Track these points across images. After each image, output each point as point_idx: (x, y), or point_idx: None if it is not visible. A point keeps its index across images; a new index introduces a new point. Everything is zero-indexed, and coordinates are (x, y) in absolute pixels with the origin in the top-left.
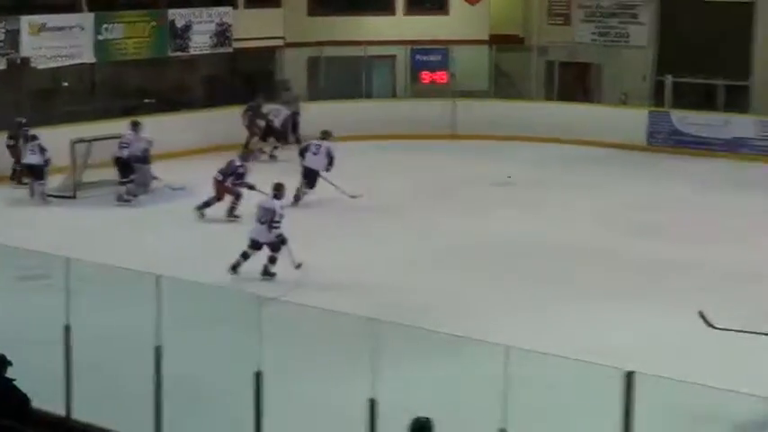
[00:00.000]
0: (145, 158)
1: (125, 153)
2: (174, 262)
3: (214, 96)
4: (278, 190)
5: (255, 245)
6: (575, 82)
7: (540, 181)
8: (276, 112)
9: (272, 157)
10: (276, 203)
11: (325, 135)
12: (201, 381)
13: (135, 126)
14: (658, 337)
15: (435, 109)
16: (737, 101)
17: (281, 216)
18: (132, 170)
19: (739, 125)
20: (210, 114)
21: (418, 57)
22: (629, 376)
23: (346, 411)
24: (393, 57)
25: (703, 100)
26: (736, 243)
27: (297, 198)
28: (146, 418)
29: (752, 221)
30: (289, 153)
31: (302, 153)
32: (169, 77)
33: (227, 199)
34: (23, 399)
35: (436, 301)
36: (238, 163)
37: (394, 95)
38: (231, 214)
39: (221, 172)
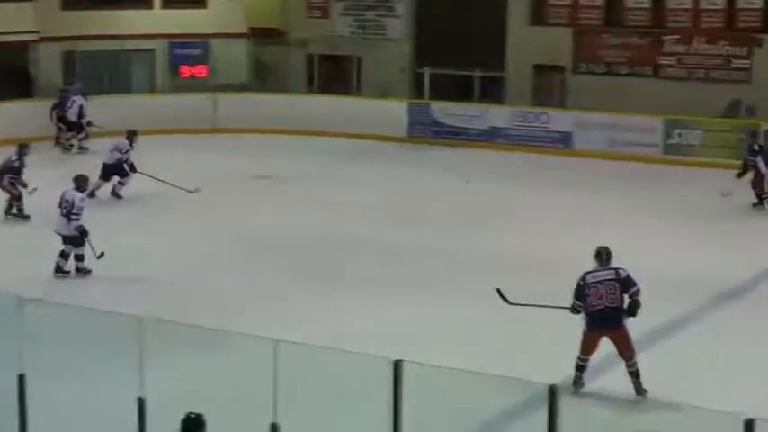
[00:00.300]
0: None
1: None
2: None
3: None
4: (80, 181)
5: (63, 239)
6: (335, 75)
7: (302, 174)
8: (70, 104)
9: (82, 149)
10: (76, 195)
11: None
12: None
13: None
14: (428, 325)
15: (196, 103)
16: (493, 92)
17: (81, 208)
18: None
19: (496, 115)
20: None
21: (177, 51)
22: (398, 365)
23: (115, 411)
24: (152, 51)
25: (461, 91)
26: (497, 231)
27: (92, 194)
28: None
29: (511, 209)
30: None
31: None
32: None
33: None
34: None
35: (206, 296)
36: (14, 158)
37: (153, 90)
38: (10, 213)
39: None
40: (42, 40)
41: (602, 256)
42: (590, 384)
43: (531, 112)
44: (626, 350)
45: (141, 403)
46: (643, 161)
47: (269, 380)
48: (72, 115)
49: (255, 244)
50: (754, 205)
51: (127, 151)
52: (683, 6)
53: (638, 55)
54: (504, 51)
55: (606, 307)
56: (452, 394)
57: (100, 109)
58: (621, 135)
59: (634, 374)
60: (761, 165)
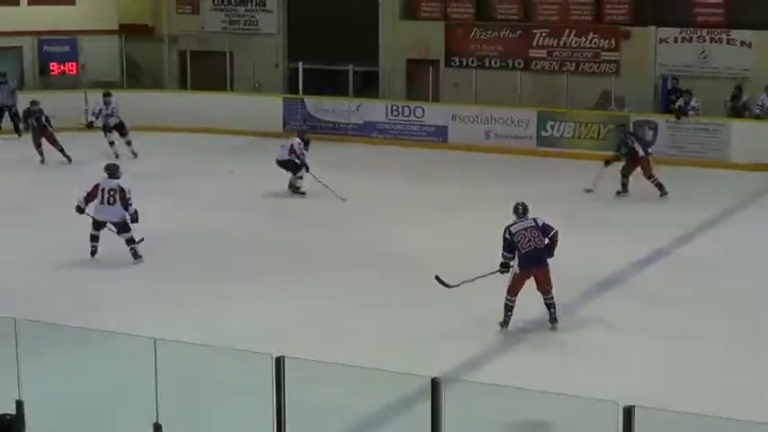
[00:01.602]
0: None
1: None
2: None
3: None
4: (114, 169)
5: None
6: (207, 71)
7: (178, 171)
8: None
9: None
10: (118, 181)
11: None
12: None
13: None
14: (307, 321)
15: (66, 101)
16: (368, 86)
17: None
18: None
19: (370, 110)
20: None
21: (46, 47)
22: (280, 361)
23: None
24: (19, 48)
25: (335, 86)
26: (373, 224)
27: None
28: None
29: (387, 202)
30: None
31: None
32: None
33: None
34: None
35: (82, 296)
36: None
37: (22, 87)
38: None
39: None
40: None
41: (519, 209)
42: (474, 374)
43: (406, 107)
44: (548, 285)
45: (20, 406)
46: (517, 153)
47: (150, 379)
48: None
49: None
50: (618, 193)
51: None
52: (551, 0)
53: (509, 48)
54: (377, 46)
55: (535, 248)
56: (335, 389)
57: None
58: (496, 128)
59: (551, 306)
60: (638, 148)
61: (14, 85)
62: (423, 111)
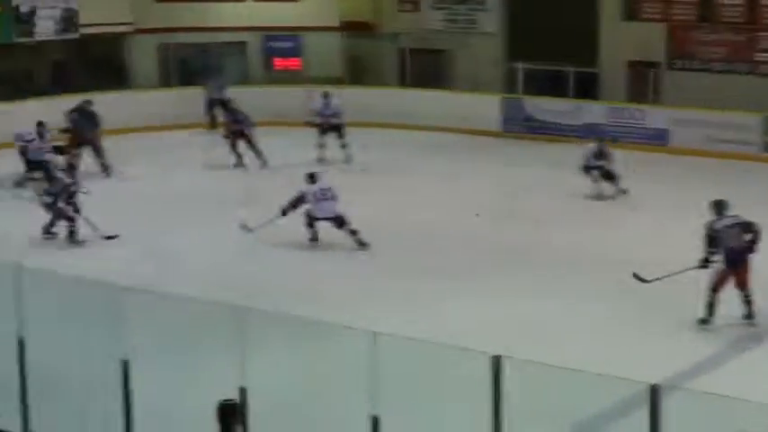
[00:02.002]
0: None
1: None
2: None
3: (62, 83)
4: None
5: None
6: (427, 69)
7: (395, 168)
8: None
9: None
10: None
11: None
12: (67, 372)
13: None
14: (527, 320)
15: (289, 96)
16: (587, 87)
17: None
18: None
19: (590, 111)
20: (59, 101)
21: (270, 43)
22: (497, 360)
23: (216, 399)
24: (244, 43)
25: (554, 86)
26: (594, 226)
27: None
28: (12, 412)
29: (605, 205)
30: None
31: None
32: (15, 64)
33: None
34: None
35: (303, 287)
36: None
37: (247, 82)
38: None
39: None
40: (137, 31)
41: (719, 206)
42: (693, 383)
43: (625, 109)
44: (749, 282)
45: (243, 393)
46: (741, 159)
47: (368, 372)
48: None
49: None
50: None
51: None
52: None
53: (733, 51)
54: (597, 47)
55: (741, 245)
56: (552, 391)
57: (194, 101)
58: (718, 132)
59: (750, 303)
60: None
61: (223, 82)
62: (643, 113)
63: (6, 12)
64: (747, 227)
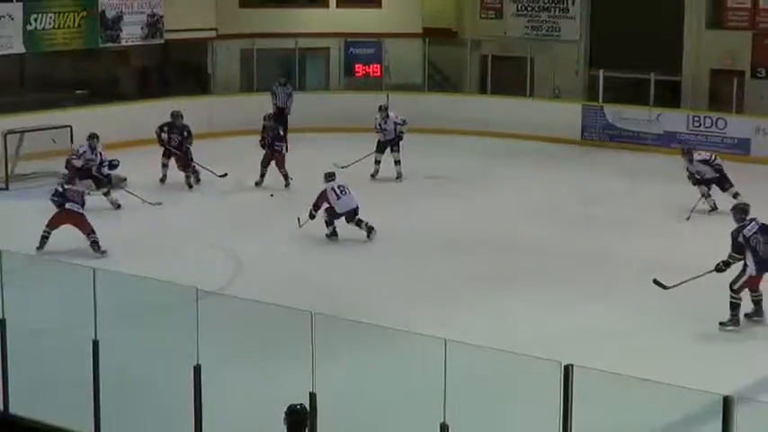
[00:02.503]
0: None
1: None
2: (110, 254)
3: (146, 88)
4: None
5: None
6: (508, 76)
7: (474, 175)
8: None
9: None
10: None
11: None
12: (140, 374)
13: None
14: (598, 329)
15: (369, 102)
16: (669, 95)
17: None
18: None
19: (671, 120)
20: (142, 106)
21: (352, 50)
22: (568, 369)
23: (285, 405)
24: (326, 49)
25: (635, 94)
26: (668, 235)
27: None
28: (85, 413)
29: (683, 214)
30: None
31: None
32: (101, 69)
33: None
34: None
35: (374, 294)
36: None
37: (327, 88)
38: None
39: None
40: (220, 37)
41: (744, 212)
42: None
43: (707, 117)
44: (760, 284)
45: (313, 398)
46: None
47: (438, 379)
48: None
49: (424, 243)
50: None
51: None
52: None
53: None
54: (680, 54)
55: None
56: (623, 402)
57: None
58: None
59: (760, 302)
60: None
61: (291, 90)
62: (725, 122)
63: (92, 17)
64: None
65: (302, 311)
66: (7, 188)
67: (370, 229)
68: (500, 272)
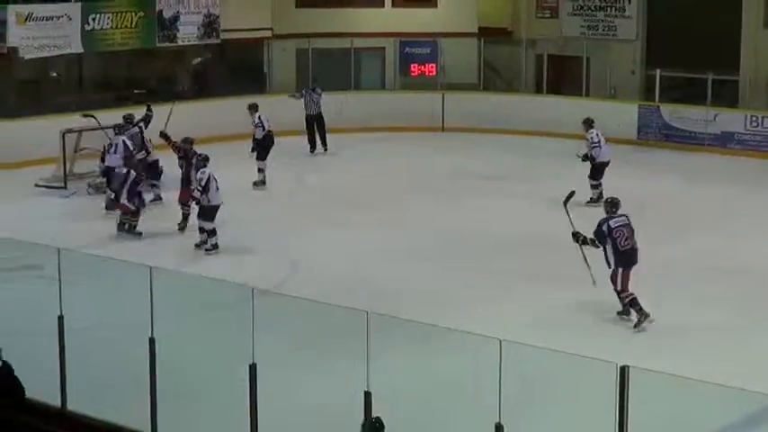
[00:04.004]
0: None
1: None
2: (165, 254)
3: (203, 87)
4: None
5: None
6: (563, 75)
7: (530, 175)
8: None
9: None
10: None
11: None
12: (196, 372)
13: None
14: (653, 330)
15: (424, 101)
16: (726, 95)
17: None
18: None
19: (728, 120)
20: (197, 105)
21: (407, 49)
22: (624, 370)
23: (340, 403)
24: (382, 49)
25: (692, 94)
26: (726, 236)
27: None
28: (141, 410)
29: (740, 216)
30: None
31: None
32: (157, 68)
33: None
34: (21, 387)
35: (430, 293)
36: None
37: (383, 87)
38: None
39: None
40: (276, 37)
41: (618, 205)
42: None
43: (766, 117)
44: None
45: (368, 397)
46: None
47: (493, 379)
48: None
49: (480, 243)
50: None
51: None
52: None
53: None
54: (738, 54)
55: (632, 247)
56: (680, 403)
57: (329, 107)
58: None
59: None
60: None
61: (321, 92)
62: None
63: (150, 17)
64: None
65: (358, 311)
66: (65, 186)
67: None
68: (555, 271)
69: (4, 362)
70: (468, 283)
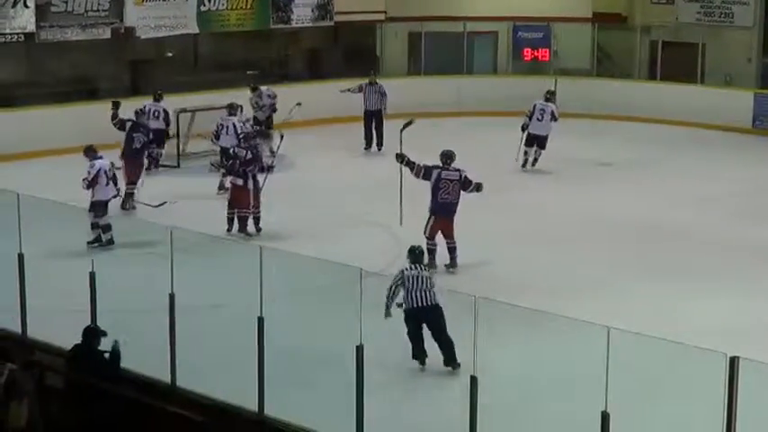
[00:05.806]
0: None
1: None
2: (275, 234)
3: (316, 69)
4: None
5: None
6: (678, 62)
7: (642, 162)
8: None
9: None
10: None
11: None
12: (303, 353)
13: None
14: (761, 321)
15: (536, 86)
16: None
17: None
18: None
19: None
20: (311, 87)
21: (520, 33)
22: (734, 361)
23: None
24: (495, 33)
25: None
26: None
27: None
28: (249, 389)
29: None
30: None
31: None
32: (271, 50)
33: None
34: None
35: (536, 279)
36: None
37: (495, 72)
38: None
39: None
40: (388, 20)
41: (452, 158)
42: None
43: None
44: (452, 232)
45: (474, 382)
46: None
47: (599, 367)
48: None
49: (589, 230)
50: None
51: None
52: None
53: None
54: None
55: (450, 201)
56: None
57: (441, 89)
58: None
59: (453, 250)
60: None
61: (382, 88)
62: None
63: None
64: (465, 184)
65: (464, 294)
66: (179, 165)
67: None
68: (669, 262)
69: (112, 350)
70: (581, 271)
